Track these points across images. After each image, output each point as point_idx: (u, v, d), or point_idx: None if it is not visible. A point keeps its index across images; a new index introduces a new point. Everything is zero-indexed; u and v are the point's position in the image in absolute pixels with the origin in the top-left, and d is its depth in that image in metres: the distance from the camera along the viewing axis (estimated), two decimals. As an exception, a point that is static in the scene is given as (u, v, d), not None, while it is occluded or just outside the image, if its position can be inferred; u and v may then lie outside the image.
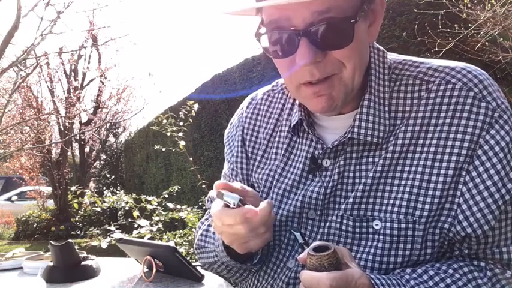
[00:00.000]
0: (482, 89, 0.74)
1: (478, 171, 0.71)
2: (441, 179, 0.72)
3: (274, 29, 0.71)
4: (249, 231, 0.72)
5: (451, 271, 0.73)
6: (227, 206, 0.74)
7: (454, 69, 0.77)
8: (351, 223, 0.77)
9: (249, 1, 0.72)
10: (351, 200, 0.77)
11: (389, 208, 0.75)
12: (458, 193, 0.72)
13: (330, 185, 0.80)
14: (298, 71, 0.72)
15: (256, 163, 0.93)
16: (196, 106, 3.98)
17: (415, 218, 0.73)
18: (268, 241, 0.78)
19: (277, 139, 0.91)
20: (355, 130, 0.77)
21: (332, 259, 0.64)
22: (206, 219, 1.03)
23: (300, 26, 0.68)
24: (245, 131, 0.96)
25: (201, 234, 0.97)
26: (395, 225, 0.74)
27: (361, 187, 0.77)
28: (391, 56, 0.84)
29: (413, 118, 0.76)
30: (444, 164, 0.72)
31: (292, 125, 0.87)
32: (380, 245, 0.75)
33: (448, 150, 0.73)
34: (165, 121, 3.79)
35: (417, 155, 0.75)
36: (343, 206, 0.78)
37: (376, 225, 0.75)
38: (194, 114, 3.95)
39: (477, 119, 0.72)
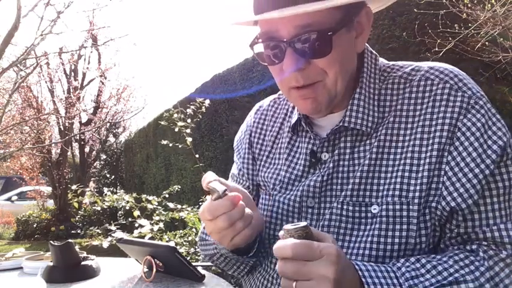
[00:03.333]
0: (457, 81, 0.82)
1: (458, 151, 0.78)
2: (427, 160, 0.79)
3: (267, 39, 0.81)
4: (228, 225, 0.78)
5: (444, 259, 0.76)
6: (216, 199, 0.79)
7: (433, 67, 0.86)
8: (351, 208, 0.83)
9: (246, 15, 0.84)
10: (350, 186, 0.84)
11: (385, 192, 0.81)
12: (442, 173, 0.78)
13: (326, 172, 0.87)
14: (287, 76, 0.82)
15: (262, 163, 1.01)
16: (207, 102, 3.96)
17: (408, 200, 0.78)
18: (249, 238, 0.83)
19: (281, 140, 0.99)
20: (347, 119, 0.85)
21: (302, 232, 0.66)
22: None
23: (286, 37, 0.78)
24: (252, 134, 1.05)
25: (204, 227, 1.04)
26: (391, 206, 0.79)
27: (358, 174, 0.83)
28: (383, 62, 0.93)
29: (399, 110, 0.85)
30: (429, 147, 0.79)
31: (292, 124, 0.95)
32: (377, 226, 0.80)
33: (431, 135, 0.80)
34: (175, 115, 3.79)
35: (406, 143, 0.82)
36: (343, 193, 0.84)
37: (374, 209, 0.81)
38: (205, 111, 3.94)
39: (455, 105, 0.80)
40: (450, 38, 3.11)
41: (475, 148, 0.77)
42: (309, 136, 0.93)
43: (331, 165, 0.87)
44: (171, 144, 3.97)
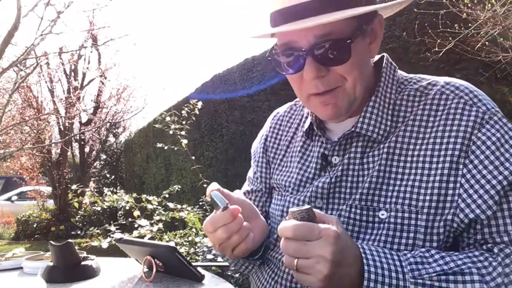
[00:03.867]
0: (472, 97, 0.84)
1: (474, 164, 0.79)
2: (439, 172, 0.80)
3: (286, 50, 0.84)
4: (227, 236, 0.82)
5: (457, 253, 0.77)
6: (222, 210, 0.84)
7: (449, 83, 0.88)
8: (358, 211, 0.85)
9: (266, 27, 0.87)
10: (359, 191, 0.86)
11: (393, 199, 0.83)
12: (458, 185, 0.79)
13: (335, 175, 0.90)
14: (306, 84, 0.85)
15: (276, 166, 1.06)
16: (199, 104, 4.00)
17: (417, 209, 0.80)
18: (246, 252, 0.88)
19: (295, 144, 1.04)
20: (359, 125, 0.88)
21: (304, 214, 0.70)
22: None
23: (305, 47, 0.81)
24: (268, 139, 1.10)
25: None
26: (399, 214, 0.81)
27: (368, 179, 0.86)
28: (402, 74, 0.96)
29: (412, 120, 0.87)
30: (441, 159, 0.81)
31: (305, 129, 0.99)
32: (385, 232, 0.82)
33: (443, 146, 0.81)
34: (168, 118, 3.81)
35: (416, 152, 0.84)
36: (352, 197, 0.87)
37: (382, 214, 0.83)
38: (198, 113, 3.97)
39: (469, 119, 0.81)
40: (450, 38, 3.11)
41: (491, 161, 0.78)
42: (321, 140, 0.96)
43: (340, 168, 0.90)
44: (166, 147, 3.99)
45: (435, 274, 0.72)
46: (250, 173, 1.15)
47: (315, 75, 0.82)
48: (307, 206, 0.71)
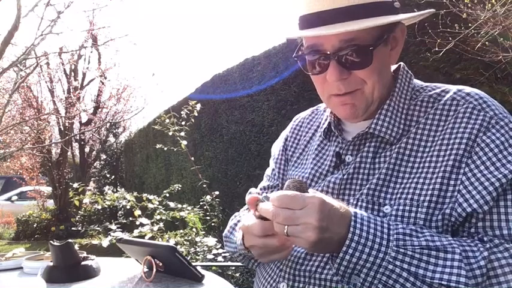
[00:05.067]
0: (481, 103, 0.88)
1: (476, 164, 0.83)
2: (442, 169, 0.85)
3: (311, 52, 0.91)
4: (280, 245, 0.84)
5: (447, 235, 0.81)
6: (262, 218, 0.83)
7: (460, 90, 0.93)
8: (364, 205, 0.90)
9: (295, 30, 0.93)
10: (367, 186, 0.91)
11: (398, 195, 0.87)
12: (459, 182, 0.83)
13: (347, 172, 0.95)
14: (329, 85, 0.91)
15: (292, 163, 1.12)
16: (198, 106, 4.02)
17: (418, 203, 0.84)
18: (286, 256, 0.90)
19: (312, 144, 1.10)
20: (373, 126, 0.93)
21: (296, 183, 0.78)
22: (239, 215, 1.17)
23: (330, 50, 0.87)
24: (288, 139, 1.17)
25: (231, 226, 1.14)
26: (401, 207, 0.85)
27: (376, 176, 0.91)
28: (417, 82, 1.01)
29: (423, 123, 0.92)
30: (446, 158, 0.85)
31: (323, 129, 1.05)
32: None
33: (449, 146, 0.86)
34: (167, 120, 3.83)
35: (425, 154, 0.89)
36: (360, 192, 0.92)
37: (387, 209, 0.87)
38: (197, 114, 3.98)
39: (475, 123, 0.85)
40: (450, 38, 3.11)
41: (493, 162, 0.82)
42: (337, 140, 1.02)
43: (352, 166, 0.95)
44: (165, 148, 3.99)
45: (419, 247, 0.76)
46: (268, 171, 1.21)
47: (337, 78, 0.88)
48: (302, 179, 0.74)
